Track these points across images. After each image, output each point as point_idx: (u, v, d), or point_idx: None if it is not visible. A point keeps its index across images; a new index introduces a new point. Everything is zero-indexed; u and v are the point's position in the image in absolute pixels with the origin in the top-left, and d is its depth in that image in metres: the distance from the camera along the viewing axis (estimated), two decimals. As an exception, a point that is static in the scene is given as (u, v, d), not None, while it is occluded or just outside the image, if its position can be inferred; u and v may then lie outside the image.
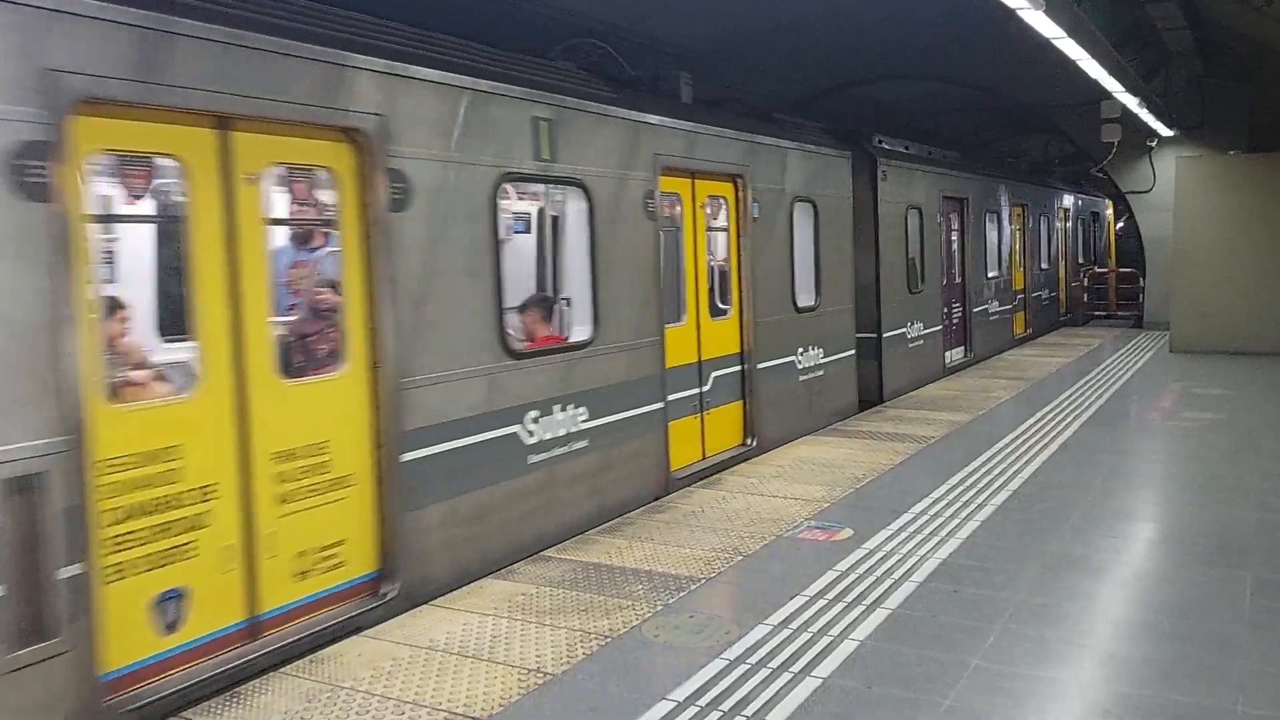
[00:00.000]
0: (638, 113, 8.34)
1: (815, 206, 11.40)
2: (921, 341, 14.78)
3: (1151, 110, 16.75)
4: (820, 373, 11.53)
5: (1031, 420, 11.48)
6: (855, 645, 5.23)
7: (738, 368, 9.98)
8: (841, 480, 8.81)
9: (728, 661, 5.07)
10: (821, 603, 5.85)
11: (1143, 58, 16.55)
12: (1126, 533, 7.27)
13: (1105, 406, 12.45)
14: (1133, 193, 21.84)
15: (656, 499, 8.40)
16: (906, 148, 14.98)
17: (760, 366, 10.20)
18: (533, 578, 6.39)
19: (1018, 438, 10.49)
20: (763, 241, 10.22)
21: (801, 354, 11.08)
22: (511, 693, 4.78)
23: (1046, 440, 10.32)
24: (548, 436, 7.25)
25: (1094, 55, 11.24)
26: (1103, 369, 15.88)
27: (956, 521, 7.45)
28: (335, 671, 5.04)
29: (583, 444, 7.63)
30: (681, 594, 6.04)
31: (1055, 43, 10.42)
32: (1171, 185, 20.75)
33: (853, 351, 12.45)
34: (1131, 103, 15.56)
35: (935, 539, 7.03)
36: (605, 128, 7.94)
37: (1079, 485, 8.52)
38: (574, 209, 7.93)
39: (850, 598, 5.92)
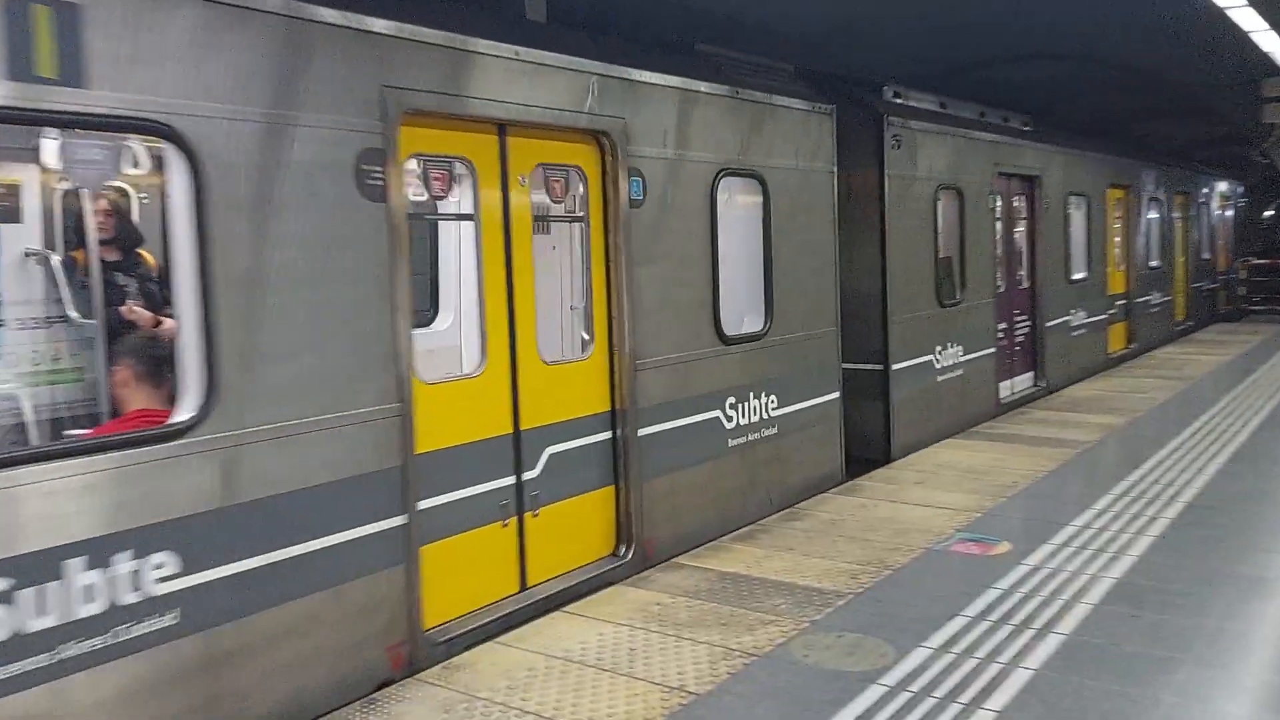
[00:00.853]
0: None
1: (764, 184, 7.83)
2: (960, 371, 10.99)
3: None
4: (770, 431, 7.94)
5: (1197, 424, 10.61)
6: (1030, 675, 4.72)
7: (595, 437, 6.44)
8: (991, 488, 8.22)
9: (887, 688, 4.62)
10: (985, 624, 5.34)
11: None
12: (1325, 553, 6.53)
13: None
14: (1298, 177, 20.32)
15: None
16: (943, 106, 11.06)
17: (651, 430, 6.69)
18: (667, 586, 6.04)
19: (1183, 443, 9.68)
20: (653, 238, 6.72)
21: (736, 406, 7.55)
22: (654, 713, 4.44)
23: (1216, 446, 9.49)
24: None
25: (1275, 26, 10.31)
26: (1269, 370, 14.72)
27: (1128, 536, 6.80)
28: (471, 680, 4.78)
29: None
30: (828, 610, 5.61)
31: (1230, 13, 9.55)
32: (1341, 170, 19.32)
33: (835, 395, 8.78)
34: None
35: (1105, 555, 6.41)
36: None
37: (1266, 496, 7.75)
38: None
39: (1017, 620, 5.39)
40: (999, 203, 11.92)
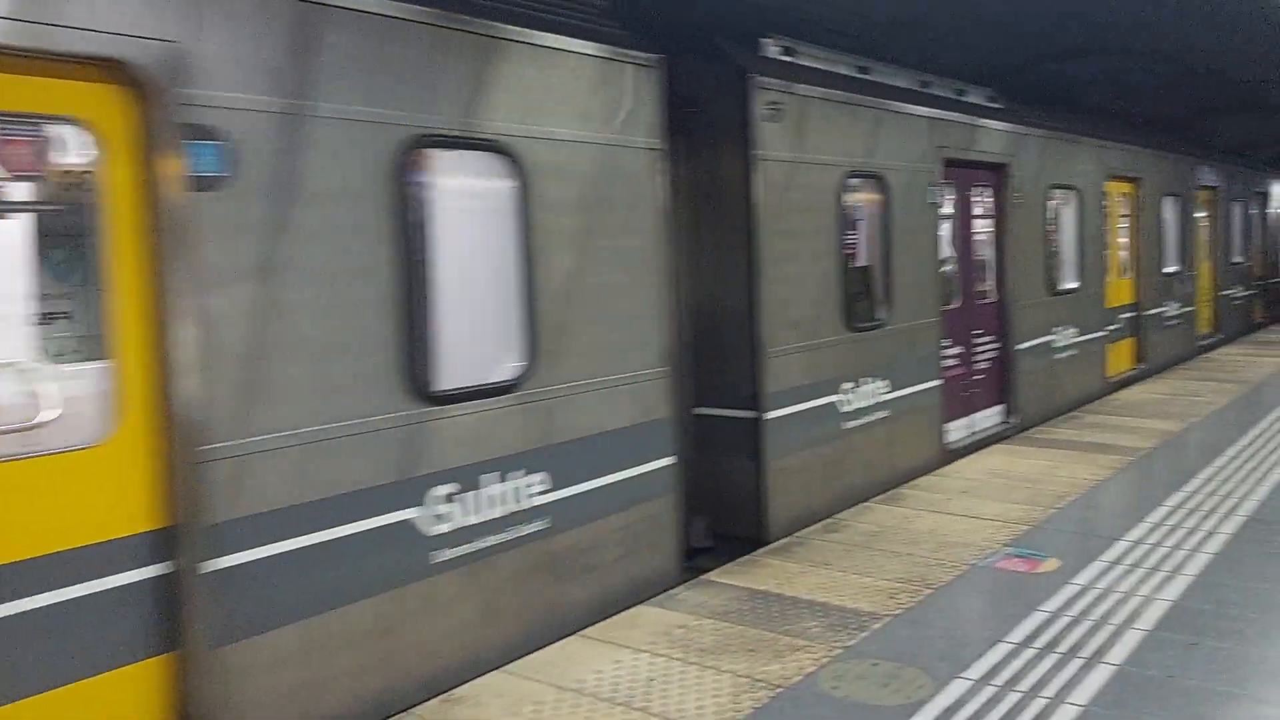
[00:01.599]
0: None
1: (516, 163, 5.33)
2: (883, 414, 8.54)
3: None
4: (520, 530, 5.34)
5: (1256, 430, 10.12)
6: (1077, 712, 4.38)
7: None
8: (1041, 498, 7.84)
9: (922, 725, 4.32)
10: (1030, 652, 5.00)
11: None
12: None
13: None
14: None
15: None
16: (864, 71, 8.64)
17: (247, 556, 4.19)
18: (694, 606, 5.77)
19: (1242, 450, 9.21)
20: (265, 246, 4.25)
21: (448, 503, 4.94)
22: (669, 752, 4.17)
23: (1276, 456, 9.01)
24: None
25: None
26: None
27: (1184, 553, 6.41)
28: (473, 715, 4.54)
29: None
30: (862, 634, 5.30)
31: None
32: None
33: (666, 461, 6.32)
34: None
35: (1160, 575, 6.04)
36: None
37: (1331, 511, 7.31)
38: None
39: (1064, 647, 5.05)
40: (947, 197, 9.75)
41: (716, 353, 7.39)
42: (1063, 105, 12.88)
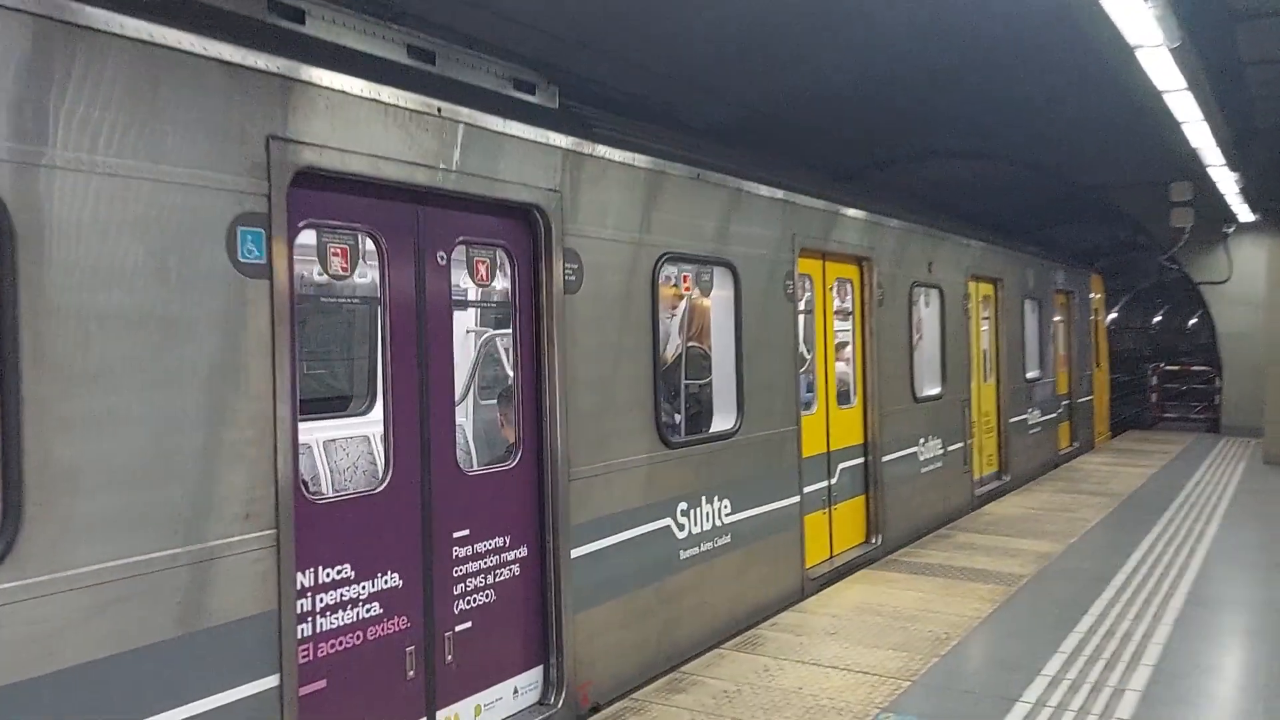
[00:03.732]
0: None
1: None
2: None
3: (1242, 192, 14.89)
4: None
5: (1138, 554, 9.37)
6: None
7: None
8: (918, 642, 6.75)
9: None
10: None
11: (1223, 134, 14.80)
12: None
13: (1223, 538, 10.32)
14: (1207, 283, 19.91)
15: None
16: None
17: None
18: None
19: (1129, 578, 8.40)
20: None
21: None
22: None
23: (1167, 587, 8.21)
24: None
25: (1207, 116, 9.42)
26: (1197, 486, 13.72)
27: (1092, 719, 5.38)
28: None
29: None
30: None
31: (1168, 97, 8.59)
32: (1250, 275, 18.92)
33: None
34: (1227, 180, 13.70)
35: (1073, 754, 4.95)
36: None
37: (1245, 665, 6.43)
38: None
39: None
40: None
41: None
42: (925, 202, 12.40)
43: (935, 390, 11.35)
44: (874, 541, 9.71)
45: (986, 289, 13.57)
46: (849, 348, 10.02)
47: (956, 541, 10.03)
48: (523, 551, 5.43)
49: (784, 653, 6.59)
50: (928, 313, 11.54)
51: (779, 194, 8.05)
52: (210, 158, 3.80)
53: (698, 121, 11.79)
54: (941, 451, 11.36)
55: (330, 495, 4.82)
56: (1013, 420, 14.12)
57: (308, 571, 4.25)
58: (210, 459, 3.77)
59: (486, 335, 7.10)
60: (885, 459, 9.91)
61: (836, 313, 9.59)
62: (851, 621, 7.28)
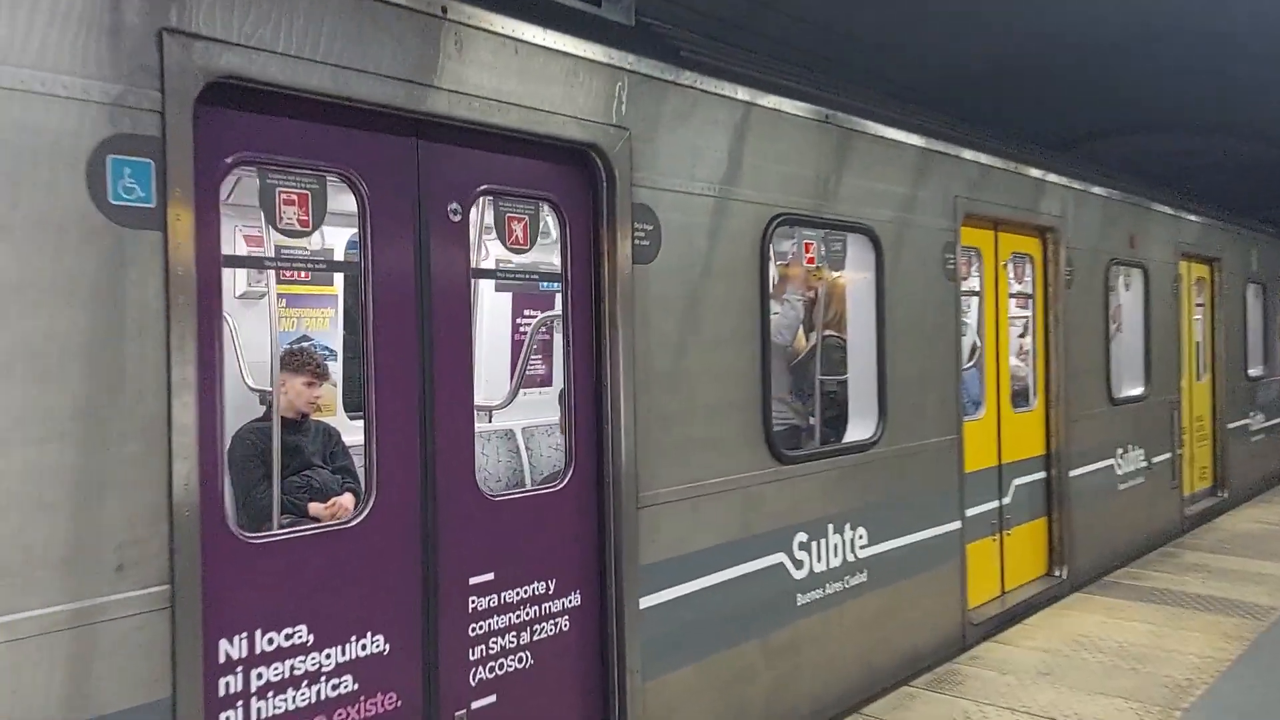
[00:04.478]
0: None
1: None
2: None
3: None
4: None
5: None
6: None
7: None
8: (1154, 689, 5.36)
9: None
10: None
11: None
12: None
13: None
14: None
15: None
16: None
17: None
18: None
19: None
20: None
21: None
22: None
23: None
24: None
25: None
26: None
27: None
28: None
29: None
30: None
31: None
32: None
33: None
34: None
35: None
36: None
37: None
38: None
39: None
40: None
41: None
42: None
43: (1137, 390, 9.42)
44: (1057, 574, 7.96)
45: (1201, 270, 11.42)
46: (1027, 338, 8.38)
47: (1184, 562, 8.26)
48: (573, 600, 4.13)
49: (988, 695, 5.34)
50: (1128, 297, 9.63)
51: (936, 144, 6.47)
52: (64, 56, 2.66)
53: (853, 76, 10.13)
54: (1144, 464, 9.41)
55: (276, 532, 3.68)
56: (1231, 426, 11.88)
57: (237, 639, 3.09)
58: (63, 486, 2.64)
59: (538, 318, 5.82)
60: (1073, 473, 8.14)
61: (1012, 296, 7.91)
62: (1068, 658, 5.92)
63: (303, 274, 6.49)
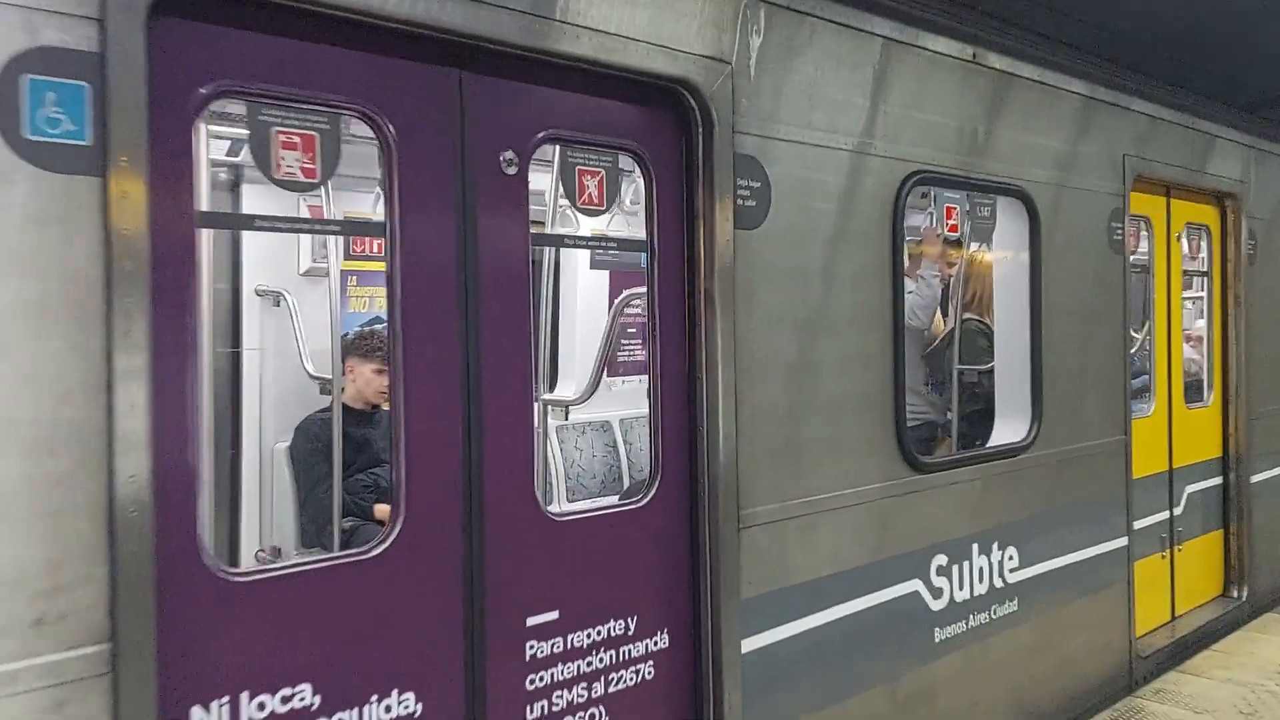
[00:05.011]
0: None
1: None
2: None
3: None
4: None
5: None
6: None
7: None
8: None
9: None
10: None
11: None
12: None
13: None
14: None
15: None
16: None
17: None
18: None
19: None
20: None
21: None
22: None
23: None
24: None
25: None
26: None
27: None
28: None
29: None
30: None
31: None
32: None
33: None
34: None
35: None
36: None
37: None
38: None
39: None
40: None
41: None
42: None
43: None
44: (1235, 595, 6.85)
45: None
46: (1200, 322, 7.26)
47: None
48: (659, 643, 3.36)
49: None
50: None
51: (1102, 92, 5.44)
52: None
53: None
54: None
55: (268, 568, 3.00)
56: None
57: (216, 706, 2.41)
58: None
59: (622, 295, 5.00)
60: (1255, 478, 7.00)
61: (1185, 273, 6.82)
62: (1274, 694, 5.01)
63: (375, 248, 5.86)
